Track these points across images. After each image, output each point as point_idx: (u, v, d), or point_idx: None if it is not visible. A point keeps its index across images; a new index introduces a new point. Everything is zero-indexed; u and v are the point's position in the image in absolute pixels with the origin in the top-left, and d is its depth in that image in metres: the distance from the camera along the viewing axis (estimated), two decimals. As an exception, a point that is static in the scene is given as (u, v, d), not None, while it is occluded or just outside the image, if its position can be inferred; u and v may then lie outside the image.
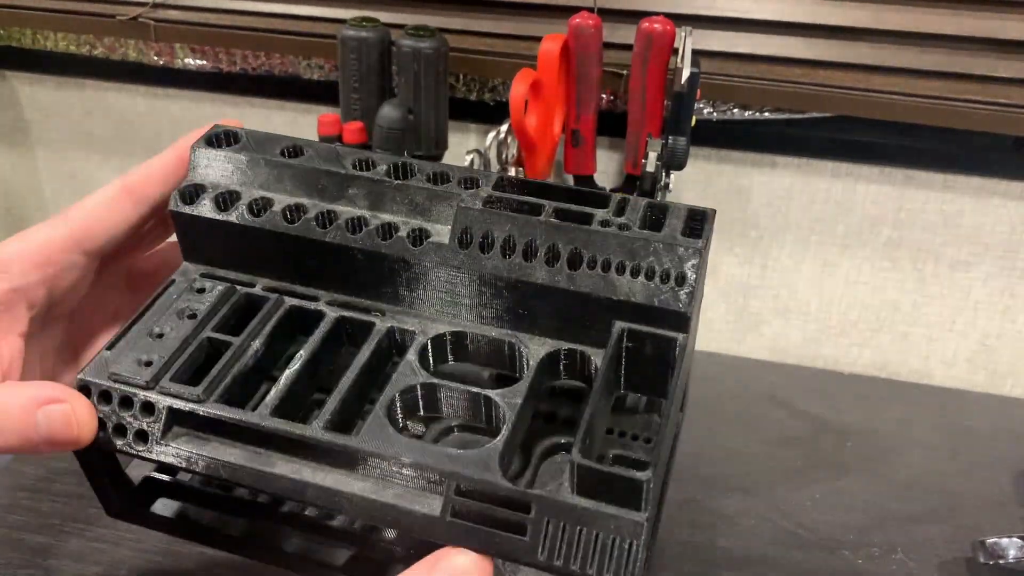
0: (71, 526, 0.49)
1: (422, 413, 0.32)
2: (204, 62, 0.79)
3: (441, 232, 0.32)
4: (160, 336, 0.32)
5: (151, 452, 0.30)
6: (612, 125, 0.70)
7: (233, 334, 0.33)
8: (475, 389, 0.31)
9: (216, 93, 0.82)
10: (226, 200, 0.34)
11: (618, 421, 0.38)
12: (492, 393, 0.31)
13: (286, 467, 0.30)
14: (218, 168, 0.34)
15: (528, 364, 0.32)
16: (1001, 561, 0.48)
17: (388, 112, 0.66)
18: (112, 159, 0.89)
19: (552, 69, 0.63)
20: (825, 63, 0.67)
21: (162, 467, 0.36)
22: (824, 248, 0.74)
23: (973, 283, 0.72)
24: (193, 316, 0.33)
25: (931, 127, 0.66)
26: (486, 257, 0.31)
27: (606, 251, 0.31)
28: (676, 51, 0.62)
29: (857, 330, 0.76)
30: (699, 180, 0.74)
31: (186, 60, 0.79)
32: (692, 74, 0.58)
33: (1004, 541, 0.48)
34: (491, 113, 0.74)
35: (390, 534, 0.35)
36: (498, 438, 0.29)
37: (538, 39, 0.64)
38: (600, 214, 0.31)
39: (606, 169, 0.74)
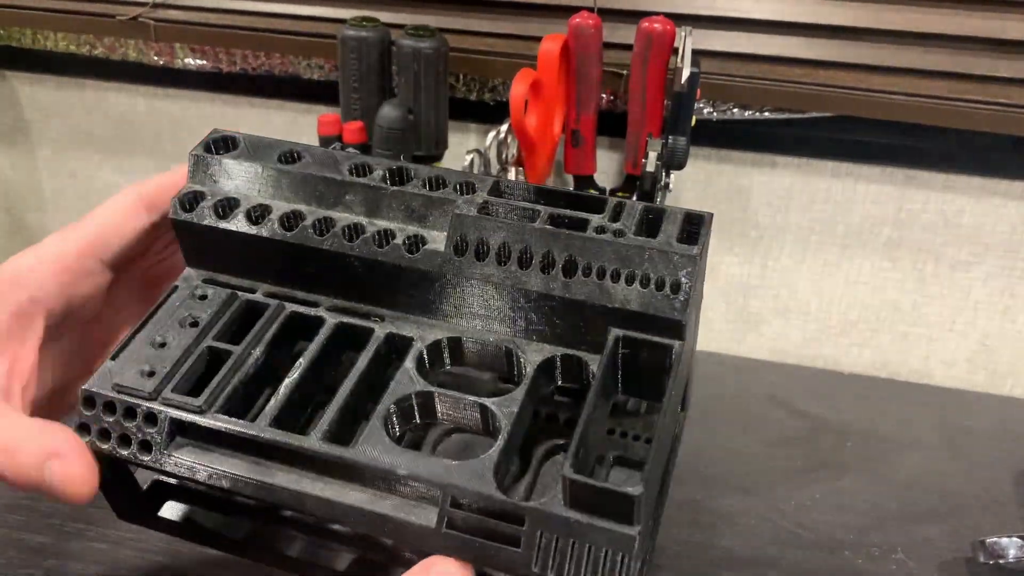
0: (71, 526, 0.49)
1: (418, 421, 0.32)
2: (204, 62, 0.79)
3: (437, 239, 0.32)
4: (163, 345, 0.32)
5: (155, 462, 0.31)
6: (612, 125, 0.70)
7: (235, 341, 0.33)
8: (471, 398, 0.31)
9: (216, 93, 0.82)
10: (225, 207, 0.34)
11: (619, 421, 0.38)
12: (488, 402, 0.31)
13: (285, 478, 0.30)
14: (216, 175, 0.34)
15: (526, 369, 0.32)
16: (1001, 561, 0.47)
17: (388, 112, 0.66)
18: (112, 159, 0.89)
19: (552, 69, 0.63)
20: (825, 63, 0.67)
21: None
22: (824, 248, 0.74)
23: (973, 283, 0.72)
24: (195, 324, 0.33)
25: (931, 127, 0.66)
26: (482, 264, 0.31)
27: (601, 258, 0.30)
28: (676, 51, 0.62)
29: (857, 330, 0.76)
30: (699, 180, 0.74)
31: (186, 60, 0.79)
32: (692, 74, 0.58)
33: (1004, 541, 0.48)
34: (491, 113, 0.74)
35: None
36: (493, 448, 0.29)
37: (538, 39, 0.64)
38: (595, 219, 0.31)
39: (606, 169, 0.74)
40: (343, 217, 0.33)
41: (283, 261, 0.34)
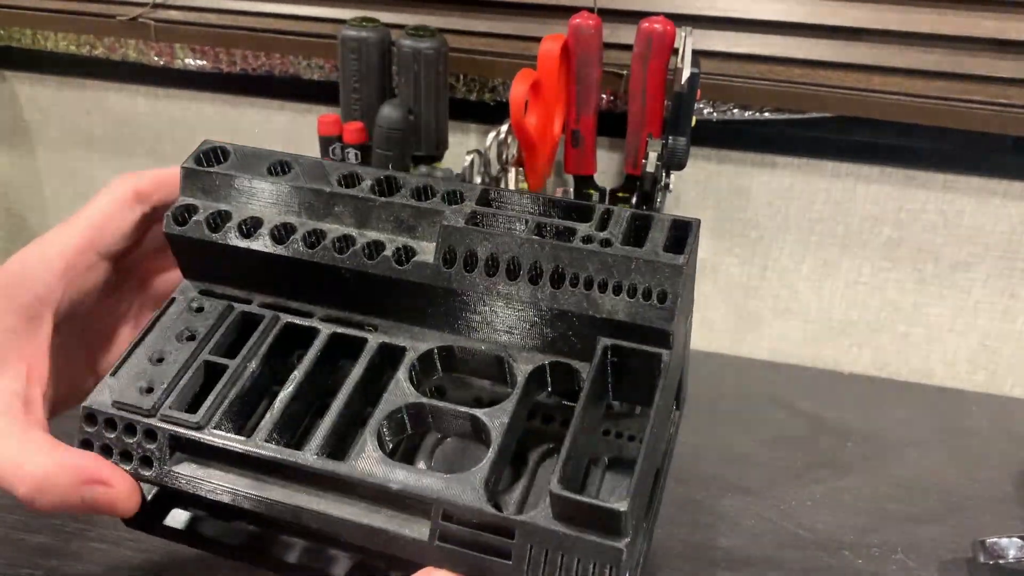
0: (71, 526, 0.49)
1: (410, 432, 0.33)
2: (204, 62, 0.79)
3: (427, 249, 0.32)
4: (160, 360, 0.33)
5: (157, 477, 0.32)
6: (612, 125, 0.70)
7: (231, 353, 0.34)
8: (462, 409, 0.32)
9: (216, 93, 0.82)
10: (217, 220, 0.34)
11: (614, 422, 0.38)
12: (479, 413, 0.31)
13: (282, 492, 0.31)
14: (208, 187, 0.35)
15: (517, 378, 0.32)
16: (1001, 561, 0.48)
17: (388, 112, 0.65)
18: (112, 159, 0.89)
19: (552, 69, 0.63)
20: (825, 63, 0.67)
21: None
22: (824, 248, 0.74)
23: (973, 283, 0.72)
24: (192, 337, 0.34)
25: (931, 127, 0.66)
26: (470, 276, 0.32)
27: (588, 269, 0.31)
28: (676, 51, 0.62)
29: (857, 330, 0.76)
30: (699, 180, 0.74)
31: (186, 60, 0.79)
32: (692, 74, 0.58)
33: (1004, 541, 0.48)
34: (491, 113, 0.74)
35: None
36: (484, 462, 0.30)
37: (538, 39, 0.64)
38: (583, 229, 0.31)
39: (606, 169, 0.74)
40: (333, 229, 0.33)
41: (275, 273, 0.34)
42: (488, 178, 0.68)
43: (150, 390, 0.32)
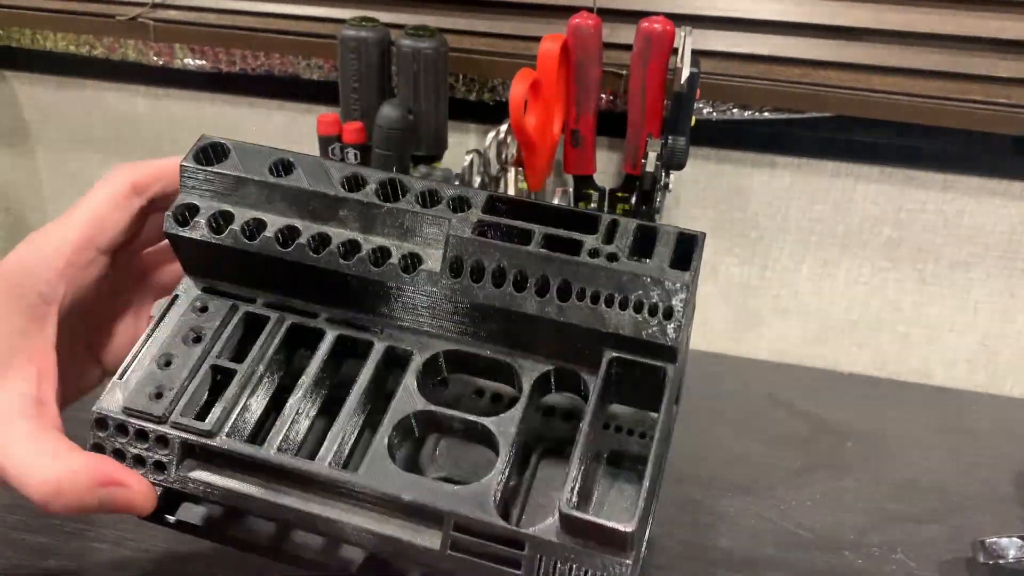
0: (71, 526, 0.49)
1: (418, 436, 0.33)
2: (204, 62, 0.79)
3: (433, 256, 0.32)
4: (168, 364, 0.33)
5: (170, 482, 0.32)
6: (612, 125, 0.70)
7: (238, 355, 0.34)
8: (471, 418, 0.32)
9: (216, 93, 0.82)
10: (219, 222, 0.34)
11: (614, 416, 0.39)
12: (487, 421, 0.32)
13: (294, 499, 0.31)
14: (209, 187, 0.34)
15: (523, 384, 0.33)
16: (1001, 561, 0.47)
17: (388, 112, 0.65)
18: (112, 159, 0.89)
19: (552, 69, 0.63)
20: (825, 63, 0.67)
21: None
22: (824, 248, 0.74)
23: (973, 283, 0.72)
24: (198, 339, 0.34)
25: (931, 127, 0.66)
26: (478, 287, 0.32)
27: (595, 283, 0.31)
28: (676, 51, 0.62)
29: (857, 330, 0.76)
30: (699, 180, 0.74)
31: (186, 60, 0.79)
32: (692, 74, 0.58)
33: (1004, 541, 0.48)
34: (491, 113, 0.74)
35: None
36: (493, 472, 0.30)
37: (538, 39, 0.64)
38: (589, 241, 0.32)
39: (606, 169, 0.74)
40: (338, 233, 0.33)
41: (280, 275, 0.34)
42: (488, 178, 0.68)
43: (159, 395, 0.32)
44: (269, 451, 0.31)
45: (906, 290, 0.74)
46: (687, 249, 0.32)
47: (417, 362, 0.33)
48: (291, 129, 0.81)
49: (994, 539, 0.48)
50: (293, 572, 0.35)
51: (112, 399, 0.33)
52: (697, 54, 0.62)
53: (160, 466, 0.32)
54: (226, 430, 0.32)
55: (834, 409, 0.64)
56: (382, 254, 0.33)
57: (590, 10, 0.66)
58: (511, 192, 0.69)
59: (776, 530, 0.52)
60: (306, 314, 0.35)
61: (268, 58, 0.77)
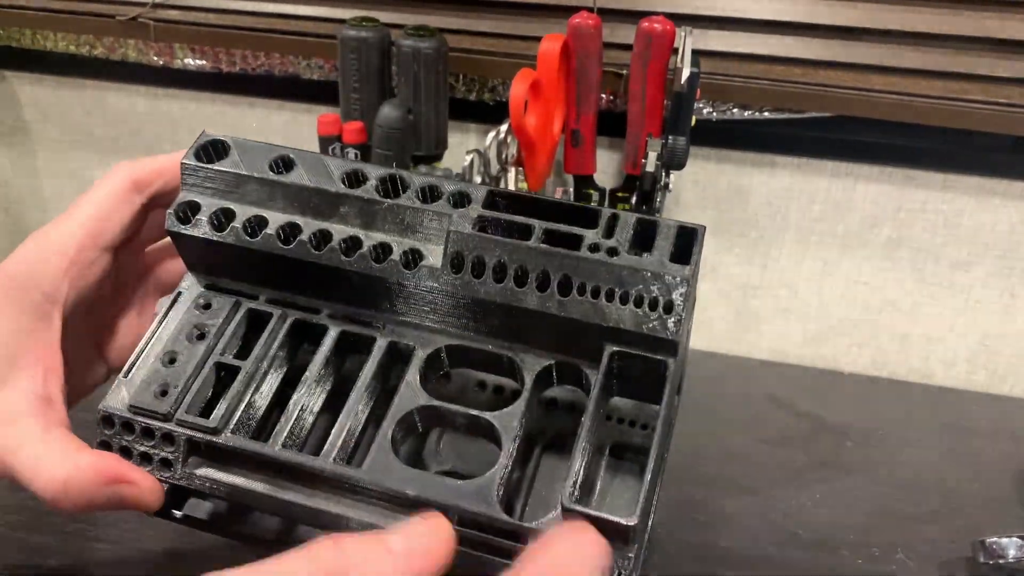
0: (72, 526, 0.49)
1: (421, 431, 0.33)
2: (204, 62, 0.79)
3: (434, 252, 0.33)
4: (172, 361, 0.33)
5: (176, 479, 0.32)
6: (612, 125, 0.70)
7: (241, 351, 0.34)
8: (474, 412, 0.32)
9: (216, 93, 0.82)
10: (221, 219, 0.34)
11: (615, 408, 0.39)
12: (490, 416, 0.32)
13: (299, 494, 0.32)
14: (210, 184, 0.34)
15: (525, 378, 0.33)
16: (1001, 561, 0.48)
17: (388, 112, 0.65)
18: (112, 159, 0.89)
19: (552, 69, 0.63)
20: (825, 63, 0.67)
21: None
22: (824, 248, 0.74)
23: (973, 283, 0.72)
24: (202, 336, 0.34)
25: (931, 127, 0.66)
26: (479, 282, 0.32)
27: (596, 278, 0.31)
28: (676, 51, 0.62)
29: (857, 330, 0.76)
30: (699, 180, 0.74)
31: (186, 60, 0.79)
32: (692, 74, 0.58)
33: (1004, 541, 0.48)
34: (491, 113, 0.74)
35: None
36: (496, 467, 0.31)
37: (538, 39, 0.64)
38: (590, 236, 0.32)
39: (606, 169, 0.74)
40: (339, 230, 0.33)
41: (282, 272, 0.34)
42: (488, 178, 0.68)
43: (164, 393, 0.33)
44: (274, 447, 0.32)
45: (906, 290, 0.74)
46: (687, 242, 0.32)
47: (419, 357, 0.33)
48: (291, 129, 0.81)
49: (994, 539, 0.48)
50: None
51: (118, 397, 0.33)
52: (697, 54, 0.62)
53: (166, 463, 0.32)
54: (231, 427, 0.32)
55: (834, 409, 0.64)
56: (383, 250, 0.33)
57: (590, 10, 0.66)
58: (511, 192, 0.69)
59: (776, 530, 0.52)
60: (308, 310, 0.35)
61: (268, 58, 0.77)
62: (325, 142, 0.67)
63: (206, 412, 0.33)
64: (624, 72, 0.68)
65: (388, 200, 0.33)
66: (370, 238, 0.33)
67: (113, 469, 0.31)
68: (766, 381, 0.68)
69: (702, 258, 0.32)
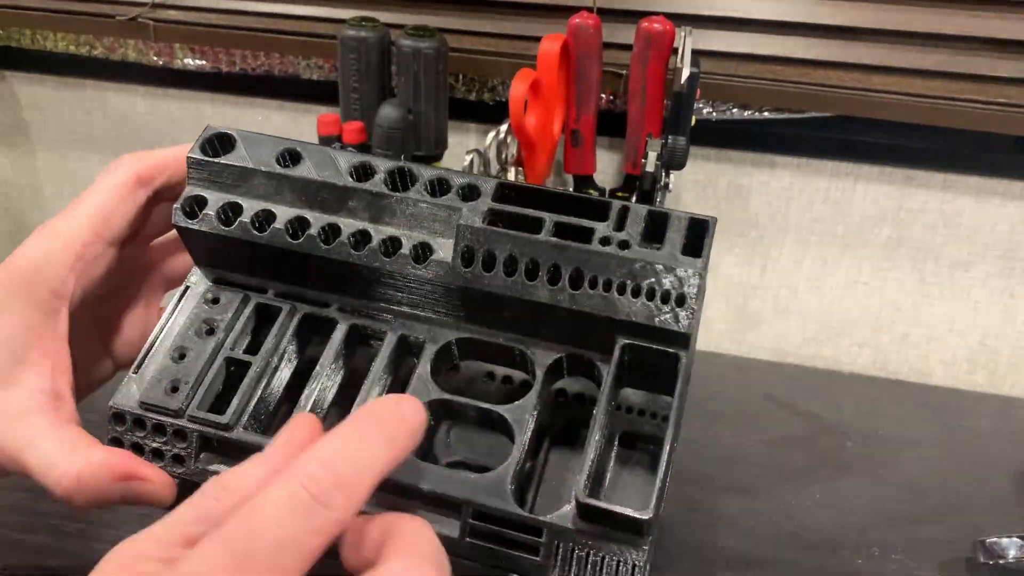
0: (71, 526, 0.49)
1: (432, 424, 0.33)
2: (204, 62, 0.79)
3: (444, 246, 0.32)
4: (182, 357, 0.33)
5: (189, 475, 0.33)
6: (612, 125, 0.70)
7: (251, 345, 0.34)
8: (485, 406, 0.32)
9: (216, 93, 0.82)
10: (228, 213, 0.34)
11: (625, 396, 0.39)
12: (502, 409, 0.32)
13: None
14: (216, 178, 0.34)
15: (536, 371, 0.33)
16: (1001, 561, 0.47)
17: (388, 112, 0.65)
18: (112, 159, 0.89)
19: (552, 69, 0.63)
20: (825, 63, 0.67)
21: None
22: (824, 248, 0.74)
23: (973, 283, 0.72)
24: (211, 331, 0.34)
25: (931, 127, 0.66)
26: (490, 276, 0.32)
27: (607, 271, 0.31)
28: (676, 51, 0.62)
29: (857, 330, 0.76)
30: (699, 180, 0.74)
31: (186, 60, 0.79)
32: (692, 74, 0.58)
33: (1004, 541, 0.48)
34: (491, 113, 0.74)
35: None
36: (509, 461, 0.31)
37: (538, 39, 0.64)
38: (600, 229, 0.32)
39: (606, 169, 0.74)
40: (348, 223, 0.33)
41: (290, 265, 0.34)
42: (488, 178, 0.68)
43: (175, 389, 0.33)
44: None
45: (906, 290, 0.74)
46: (698, 234, 0.32)
47: (430, 350, 0.33)
48: (291, 129, 0.81)
49: (994, 539, 0.48)
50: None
51: (128, 393, 0.33)
52: (697, 54, 0.62)
53: (178, 459, 0.32)
54: (243, 422, 0.32)
55: (834, 409, 0.64)
56: (393, 244, 0.33)
57: (590, 10, 0.66)
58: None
59: (776, 530, 0.52)
60: (317, 304, 0.35)
61: (268, 58, 0.77)
62: (325, 142, 0.67)
63: (217, 407, 0.32)
64: (624, 72, 0.68)
65: (397, 194, 0.33)
66: (379, 232, 0.33)
67: (125, 466, 0.31)
68: (766, 381, 0.68)
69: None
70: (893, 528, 0.52)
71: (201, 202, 0.34)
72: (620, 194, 0.70)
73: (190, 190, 0.34)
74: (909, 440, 0.61)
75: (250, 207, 0.34)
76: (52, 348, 0.32)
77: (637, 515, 0.28)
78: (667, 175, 0.64)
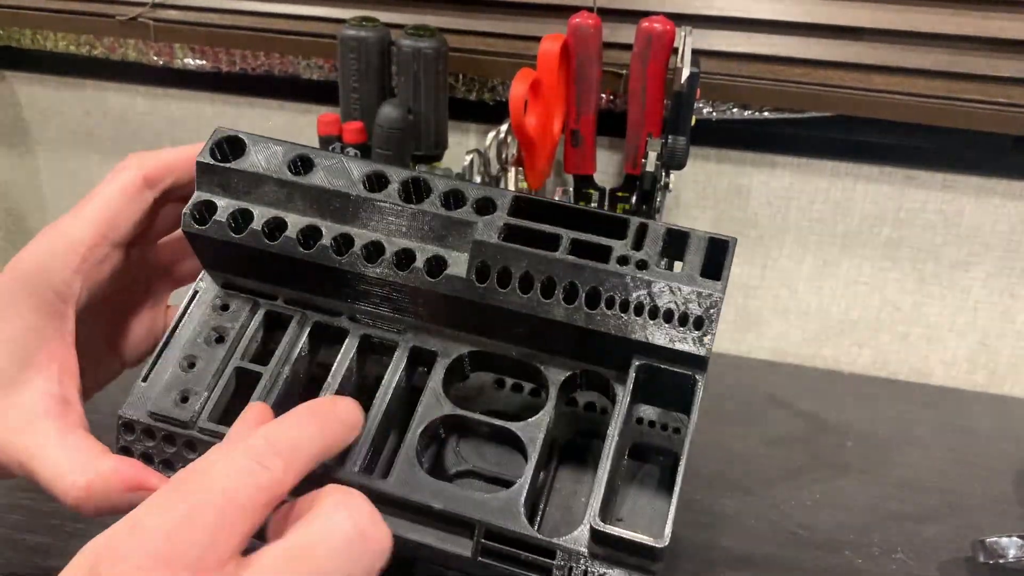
0: (71, 526, 0.49)
1: (443, 438, 0.34)
2: (204, 62, 0.79)
3: (459, 260, 0.32)
4: (192, 366, 0.33)
5: None
6: (612, 125, 0.70)
7: (261, 354, 0.34)
8: (498, 423, 0.32)
9: (216, 93, 0.82)
10: (238, 220, 0.33)
11: (636, 408, 0.38)
12: (514, 427, 0.32)
13: None
14: (226, 184, 0.34)
15: (549, 386, 0.32)
16: (1001, 561, 0.47)
17: (388, 112, 0.65)
18: (112, 159, 0.89)
19: (552, 69, 0.63)
20: (825, 63, 0.67)
21: None
22: (824, 248, 0.74)
23: (973, 283, 0.72)
24: (221, 339, 0.34)
25: (931, 127, 0.66)
26: (505, 292, 0.31)
27: (625, 292, 0.30)
28: (676, 51, 0.62)
29: (857, 330, 0.76)
30: (699, 180, 0.74)
31: (186, 60, 0.79)
32: (692, 74, 0.58)
33: (1004, 541, 0.48)
34: (491, 113, 0.74)
35: None
36: (523, 479, 0.30)
37: (538, 39, 0.63)
38: (618, 247, 0.31)
39: (606, 169, 0.74)
40: (361, 234, 0.33)
41: (301, 274, 0.34)
42: (488, 178, 0.68)
43: (185, 399, 0.32)
44: None
45: (906, 290, 0.74)
46: (718, 255, 0.31)
47: (442, 364, 0.33)
48: (291, 129, 0.81)
49: (994, 539, 0.48)
50: None
51: (138, 402, 0.33)
52: (697, 54, 0.62)
53: None
54: None
55: (834, 409, 0.64)
56: (406, 257, 0.32)
57: (590, 10, 0.66)
58: (511, 192, 0.69)
59: (776, 530, 0.52)
60: (328, 311, 0.34)
61: (268, 58, 0.77)
62: (325, 142, 0.67)
63: (227, 418, 0.32)
64: (624, 72, 0.68)
65: (412, 206, 0.32)
66: (392, 244, 0.32)
67: (135, 476, 0.31)
68: (766, 381, 0.68)
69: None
70: (893, 528, 0.52)
71: (211, 208, 0.33)
72: (620, 194, 0.70)
73: (199, 195, 0.34)
74: (909, 440, 0.61)
75: (261, 214, 0.33)
76: (59, 351, 0.32)
77: (653, 543, 0.28)
78: (667, 175, 0.64)
